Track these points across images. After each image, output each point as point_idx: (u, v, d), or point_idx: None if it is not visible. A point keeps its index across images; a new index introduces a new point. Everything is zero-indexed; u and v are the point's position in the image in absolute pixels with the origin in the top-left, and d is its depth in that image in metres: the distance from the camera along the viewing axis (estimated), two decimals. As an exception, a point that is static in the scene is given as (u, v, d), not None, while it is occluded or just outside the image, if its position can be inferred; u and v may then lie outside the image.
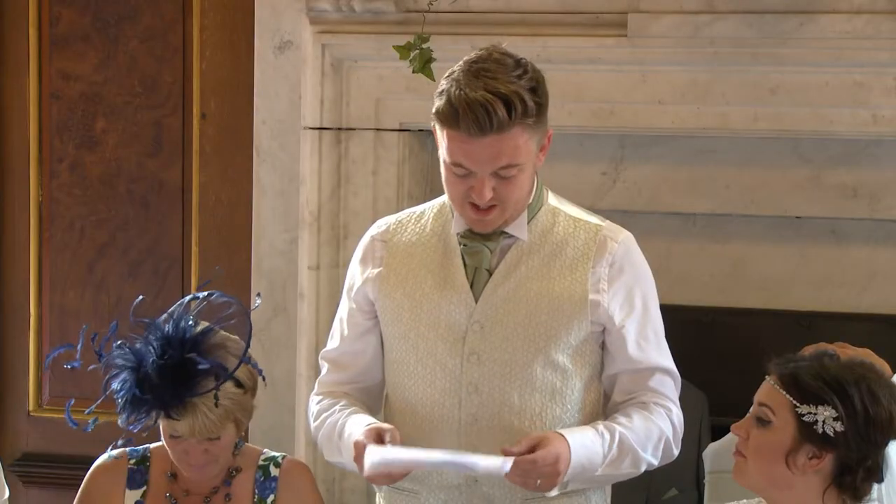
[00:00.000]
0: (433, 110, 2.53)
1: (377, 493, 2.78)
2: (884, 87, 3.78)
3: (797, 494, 2.38)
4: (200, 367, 2.66)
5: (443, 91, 2.51)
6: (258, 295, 2.84)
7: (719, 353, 4.06)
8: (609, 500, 2.79)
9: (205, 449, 2.77)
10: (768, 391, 2.40)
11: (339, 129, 4.16)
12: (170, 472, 2.88)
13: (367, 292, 2.70)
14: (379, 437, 2.50)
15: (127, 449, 2.92)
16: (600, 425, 2.58)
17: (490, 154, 2.47)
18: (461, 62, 2.53)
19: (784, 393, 2.37)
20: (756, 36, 3.78)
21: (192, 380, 2.69)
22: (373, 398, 2.76)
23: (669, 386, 2.65)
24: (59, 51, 4.42)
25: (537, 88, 2.51)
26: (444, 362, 2.60)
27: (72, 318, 4.47)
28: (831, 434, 2.32)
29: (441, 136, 2.53)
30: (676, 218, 4.12)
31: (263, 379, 2.82)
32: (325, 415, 2.70)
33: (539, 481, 2.46)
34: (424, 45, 3.60)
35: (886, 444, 2.37)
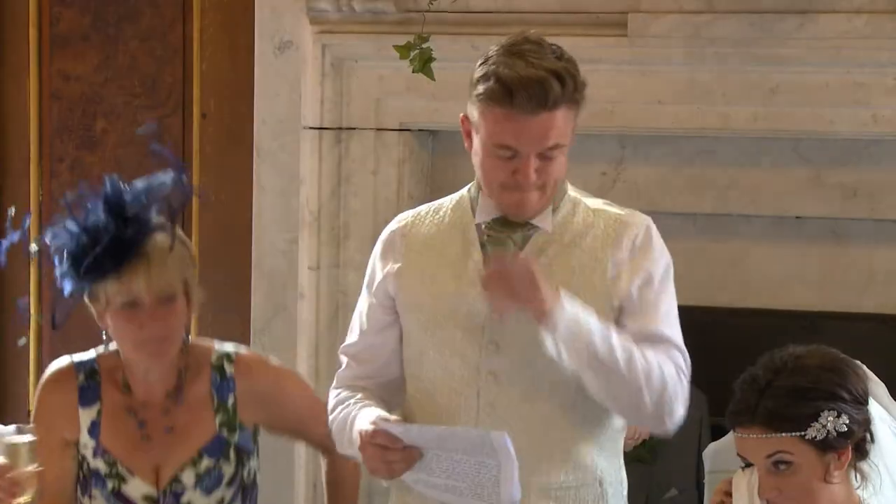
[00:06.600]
0: (476, 93, 2.49)
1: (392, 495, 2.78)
2: (884, 87, 3.78)
3: (834, 492, 2.36)
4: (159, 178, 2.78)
5: (486, 74, 2.48)
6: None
7: (719, 353, 4.05)
8: (626, 493, 2.76)
9: (161, 320, 2.72)
10: (766, 442, 2.34)
11: (340, 128, 4.16)
12: (122, 383, 2.82)
13: (387, 287, 2.70)
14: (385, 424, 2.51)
15: (73, 361, 2.86)
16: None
17: (540, 132, 2.47)
18: (496, 47, 2.51)
19: (782, 435, 2.33)
20: (756, 36, 3.78)
21: (144, 226, 2.72)
22: (391, 393, 2.75)
23: (678, 357, 2.62)
24: (59, 51, 4.42)
25: (575, 69, 2.52)
26: (463, 351, 2.60)
27: (71, 317, 4.45)
28: (845, 430, 2.32)
29: (482, 120, 2.50)
30: (676, 218, 4.11)
31: (199, 197, 2.86)
32: (340, 407, 2.69)
33: (518, 290, 2.43)
34: (424, 45, 3.60)
35: (866, 390, 2.36)
